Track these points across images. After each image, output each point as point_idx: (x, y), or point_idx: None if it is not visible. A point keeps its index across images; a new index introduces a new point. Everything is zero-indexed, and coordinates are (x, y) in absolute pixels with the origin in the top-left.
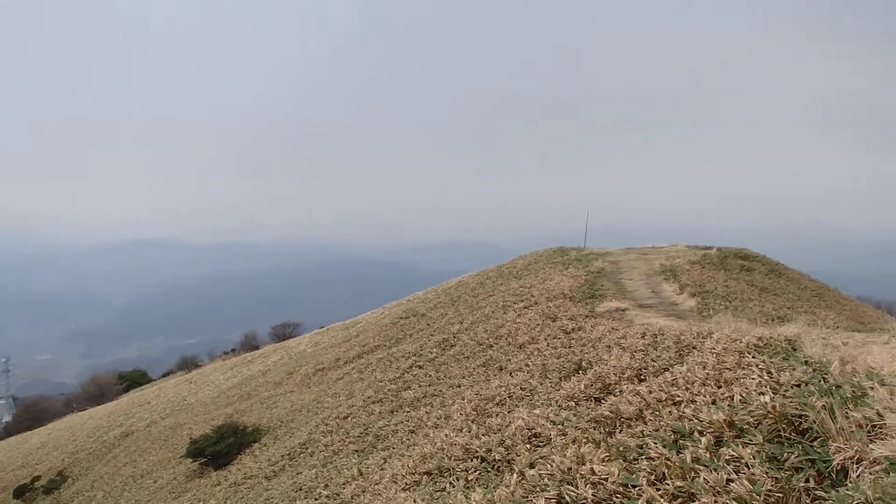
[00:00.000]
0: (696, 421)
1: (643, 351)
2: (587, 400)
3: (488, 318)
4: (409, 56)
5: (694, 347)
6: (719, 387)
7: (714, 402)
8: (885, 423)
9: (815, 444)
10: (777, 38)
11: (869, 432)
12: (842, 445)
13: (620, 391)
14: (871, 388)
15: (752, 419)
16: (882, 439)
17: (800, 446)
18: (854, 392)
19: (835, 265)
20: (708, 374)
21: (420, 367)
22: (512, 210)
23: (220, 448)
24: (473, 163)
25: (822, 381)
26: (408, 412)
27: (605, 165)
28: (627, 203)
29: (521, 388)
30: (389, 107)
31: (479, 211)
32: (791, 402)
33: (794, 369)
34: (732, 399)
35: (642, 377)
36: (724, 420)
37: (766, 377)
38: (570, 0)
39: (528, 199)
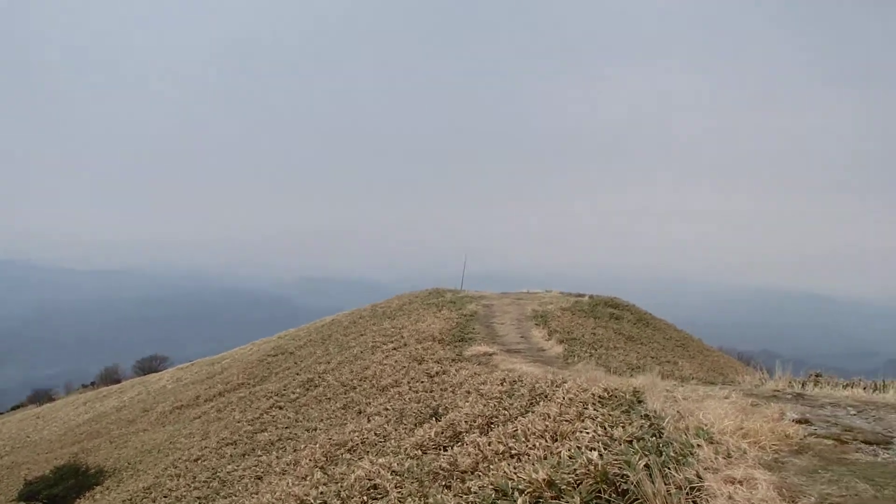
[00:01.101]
0: (518, 479)
1: (498, 398)
2: (436, 448)
3: (356, 359)
4: (283, 92)
5: (546, 396)
6: (555, 440)
7: (545, 457)
8: (703, 486)
9: None
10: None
11: (688, 494)
12: None
13: (467, 441)
14: (699, 446)
15: (573, 478)
16: (699, 502)
17: None
18: (681, 450)
19: (706, 315)
20: (547, 426)
21: (280, 408)
22: (395, 248)
23: (56, 491)
24: (363, 199)
25: (655, 438)
26: (259, 456)
27: (495, 208)
28: (515, 246)
29: (375, 434)
30: (274, 140)
31: (364, 248)
32: (616, 460)
33: (630, 423)
34: (563, 454)
35: (492, 425)
36: (545, 479)
37: (600, 432)
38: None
39: (415, 237)
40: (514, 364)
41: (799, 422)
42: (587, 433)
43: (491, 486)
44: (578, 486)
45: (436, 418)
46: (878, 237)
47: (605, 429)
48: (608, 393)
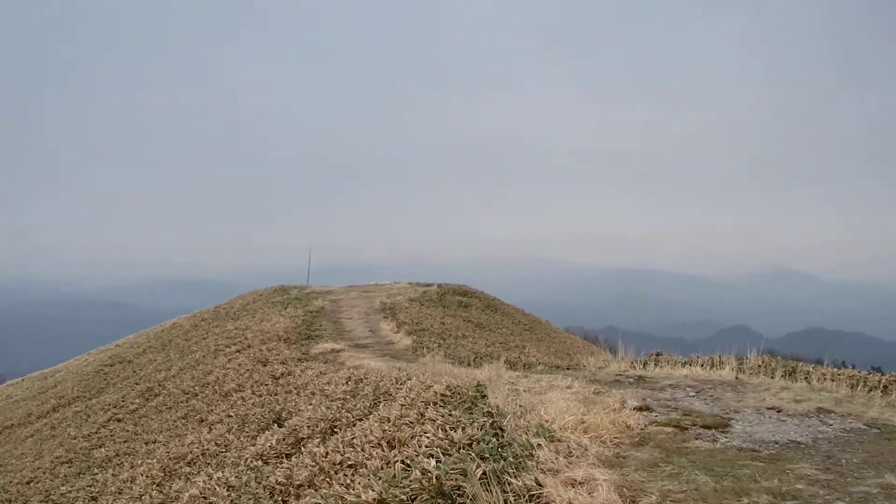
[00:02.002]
0: (349, 498)
1: (342, 400)
2: (277, 457)
3: (198, 364)
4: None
5: (390, 395)
6: (392, 448)
7: (382, 468)
8: (542, 493)
9: None
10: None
11: (528, 501)
12: None
13: (305, 450)
14: (539, 447)
15: (406, 495)
16: None
17: None
18: (521, 451)
19: (554, 295)
20: (385, 432)
21: (119, 421)
22: (243, 245)
23: None
24: (210, 197)
25: (496, 438)
26: (95, 474)
27: (344, 202)
28: (364, 240)
29: (216, 444)
30: (116, 135)
31: (209, 247)
32: (454, 469)
33: (472, 423)
34: (403, 463)
35: (335, 430)
36: (375, 499)
37: (440, 435)
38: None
39: (263, 234)
40: (362, 360)
41: (640, 409)
42: (427, 437)
43: None
44: (413, 502)
45: (278, 424)
46: (706, 216)
47: (446, 431)
48: (451, 390)
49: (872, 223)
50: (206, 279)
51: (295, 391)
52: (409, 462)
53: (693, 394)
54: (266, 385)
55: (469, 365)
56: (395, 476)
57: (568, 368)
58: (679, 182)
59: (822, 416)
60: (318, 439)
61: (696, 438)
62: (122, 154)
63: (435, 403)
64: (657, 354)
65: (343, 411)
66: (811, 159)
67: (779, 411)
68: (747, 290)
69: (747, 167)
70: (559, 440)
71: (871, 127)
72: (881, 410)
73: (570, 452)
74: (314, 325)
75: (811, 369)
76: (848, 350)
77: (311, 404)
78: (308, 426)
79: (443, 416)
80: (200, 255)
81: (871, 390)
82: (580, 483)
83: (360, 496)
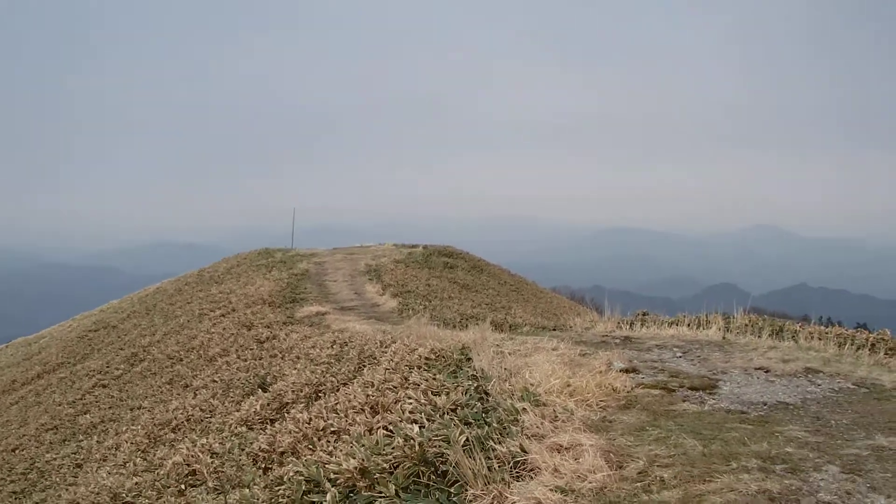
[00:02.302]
0: (330, 467)
1: (327, 364)
2: (262, 423)
3: (182, 329)
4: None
5: (375, 359)
6: (376, 413)
7: (367, 433)
8: (527, 459)
9: (454, 489)
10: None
11: (512, 469)
12: (478, 492)
13: (288, 416)
14: (524, 411)
15: (390, 461)
16: (523, 479)
17: (437, 494)
18: (506, 416)
19: (541, 256)
20: (368, 397)
21: (104, 387)
22: (229, 208)
23: None
24: (194, 160)
25: (481, 403)
26: (80, 441)
27: (328, 161)
28: (348, 200)
29: (200, 410)
30: (96, 100)
31: (196, 210)
32: (437, 435)
33: (456, 388)
34: (386, 429)
35: (320, 394)
36: (357, 468)
37: (423, 400)
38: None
39: (249, 197)
40: (347, 323)
41: (626, 371)
42: (410, 402)
43: (302, 477)
44: (394, 470)
45: (263, 389)
46: (690, 175)
47: (429, 396)
48: (435, 354)
49: (856, 181)
50: (192, 243)
51: (280, 355)
52: (392, 428)
53: (680, 354)
54: (251, 349)
55: (455, 327)
56: (377, 443)
57: (554, 329)
58: (662, 141)
59: (810, 376)
60: (303, 404)
61: (684, 401)
62: (104, 118)
63: (419, 367)
64: (643, 314)
65: (328, 376)
66: (797, 119)
67: (766, 371)
68: (732, 247)
69: (733, 127)
70: (545, 404)
71: (849, 88)
72: (869, 369)
73: (556, 417)
74: (299, 288)
75: (798, 328)
76: (832, 307)
77: (295, 369)
78: (293, 391)
79: (426, 381)
80: (187, 218)
81: (858, 349)
82: (566, 448)
83: (341, 464)
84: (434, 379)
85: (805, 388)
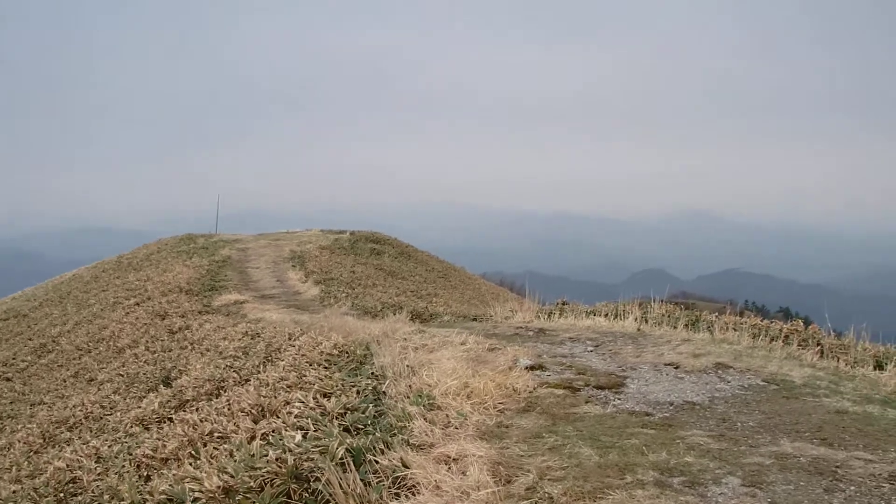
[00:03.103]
0: (192, 485)
1: (233, 357)
2: (159, 422)
3: (95, 318)
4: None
5: (282, 352)
6: (263, 417)
7: (250, 440)
8: (408, 474)
9: None
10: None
11: (393, 484)
12: None
13: (177, 418)
14: (416, 416)
15: (258, 479)
16: (401, 498)
17: None
18: (397, 423)
19: (474, 240)
20: (260, 398)
21: (8, 380)
22: (163, 192)
23: None
24: (120, 142)
25: (373, 406)
26: None
27: (265, 144)
28: (278, 186)
29: (101, 406)
30: (13, 78)
31: (121, 194)
32: (317, 446)
33: (351, 388)
34: (269, 437)
35: (222, 391)
36: (220, 486)
37: (312, 404)
38: None
39: (182, 180)
40: (265, 312)
41: (532, 368)
42: (297, 406)
43: (165, 496)
44: (263, 488)
45: (166, 384)
46: (622, 161)
47: (318, 399)
48: (338, 349)
49: (783, 168)
50: (118, 227)
51: (190, 347)
52: (273, 436)
53: (592, 348)
54: (162, 341)
55: (375, 316)
56: (252, 455)
57: (474, 319)
58: (595, 127)
59: (720, 371)
60: (203, 402)
61: (587, 402)
62: (27, 100)
63: (319, 364)
64: (563, 303)
65: (231, 371)
66: (726, 107)
67: (676, 367)
68: (662, 233)
69: (660, 114)
70: (439, 408)
71: (784, 74)
72: (780, 364)
73: (449, 423)
74: (219, 275)
75: (714, 318)
76: (759, 292)
77: (201, 362)
78: (194, 387)
79: (321, 380)
80: (113, 202)
81: (772, 340)
82: (454, 460)
83: (202, 484)
84: (330, 378)
85: (714, 385)
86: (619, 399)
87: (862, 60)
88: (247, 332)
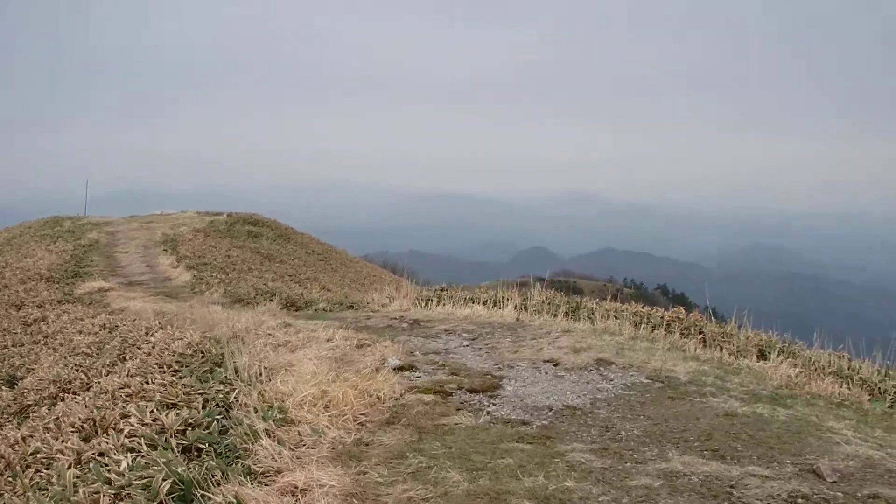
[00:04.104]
0: None
1: (85, 354)
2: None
3: None
4: None
5: (137, 349)
6: (96, 434)
7: (79, 462)
8: None
9: None
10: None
11: None
12: None
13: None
14: (264, 433)
15: None
16: None
17: None
18: (241, 442)
19: (360, 220)
20: (93, 412)
21: None
22: (25, 166)
23: None
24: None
25: (218, 422)
26: None
27: (147, 120)
28: (159, 163)
29: None
30: None
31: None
32: (140, 476)
33: (201, 396)
34: (68, 475)
35: (68, 394)
36: None
37: (148, 419)
38: None
39: (50, 153)
40: (130, 301)
41: (402, 369)
42: (131, 421)
43: None
44: None
45: (11, 385)
46: (507, 142)
47: (157, 413)
48: (192, 348)
49: (658, 148)
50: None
51: (42, 341)
52: (101, 460)
53: (468, 342)
54: (14, 334)
55: (247, 304)
56: (65, 488)
57: (351, 307)
58: (481, 107)
59: (602, 368)
60: (46, 407)
61: (459, 409)
62: None
63: (169, 367)
64: (442, 290)
65: (80, 371)
66: (606, 87)
67: (556, 365)
68: (544, 212)
69: (542, 94)
70: (293, 422)
71: (655, 55)
72: (664, 357)
73: (302, 441)
74: (84, 260)
75: (595, 305)
76: (637, 269)
77: (51, 359)
78: (37, 390)
79: (165, 388)
80: None
81: (654, 328)
82: (301, 491)
83: None
84: (175, 386)
85: (596, 384)
86: (494, 404)
87: (737, 38)
88: (105, 324)
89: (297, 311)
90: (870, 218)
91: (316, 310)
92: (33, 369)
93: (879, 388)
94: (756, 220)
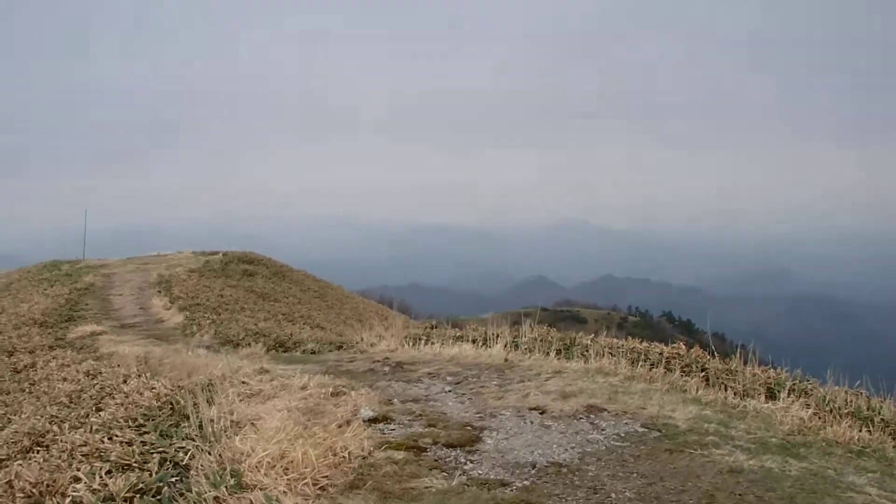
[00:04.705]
0: None
1: (62, 404)
2: None
3: None
4: None
5: (112, 398)
6: (45, 498)
7: None
8: None
9: None
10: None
11: None
12: None
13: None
14: (215, 501)
15: None
16: None
17: None
18: None
19: (359, 253)
20: (48, 472)
21: None
22: (34, 211)
23: None
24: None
25: (171, 487)
26: None
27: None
28: (160, 203)
29: None
30: None
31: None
32: None
33: (159, 455)
34: None
35: (39, 446)
36: None
37: (96, 484)
38: None
39: (58, 198)
40: (121, 345)
41: (376, 420)
42: (79, 487)
43: None
44: None
45: None
46: (498, 171)
47: (106, 477)
48: (161, 400)
49: (651, 174)
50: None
51: (29, 388)
52: None
53: (451, 386)
54: (3, 381)
55: (237, 345)
56: None
57: (340, 347)
58: (466, 136)
59: (592, 416)
60: (19, 462)
61: (433, 468)
62: None
63: (134, 420)
64: (432, 327)
65: (54, 423)
66: (576, 112)
67: (542, 413)
68: (542, 242)
69: (512, 125)
70: (249, 487)
71: (613, 80)
72: (662, 400)
73: None
74: (79, 304)
75: (589, 342)
76: (637, 296)
77: (31, 407)
78: (12, 442)
79: (123, 446)
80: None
81: (652, 366)
82: None
83: None
84: (132, 444)
85: (585, 435)
86: (471, 461)
87: (729, 55)
88: (89, 371)
89: (285, 351)
90: (869, 236)
91: (304, 350)
92: (12, 419)
93: None
94: (755, 243)
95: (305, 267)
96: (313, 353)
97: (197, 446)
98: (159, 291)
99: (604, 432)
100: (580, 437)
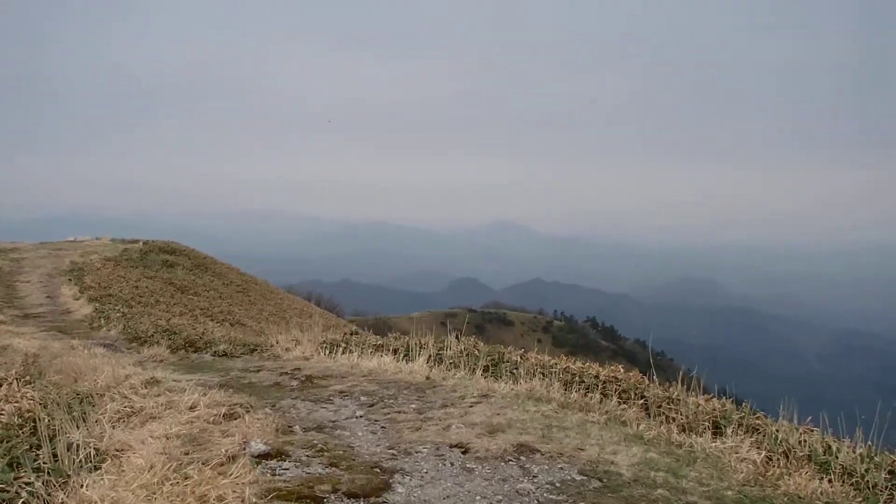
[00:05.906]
0: None
1: None
2: None
3: None
4: None
5: None
6: None
7: None
8: None
9: None
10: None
11: None
12: None
13: None
14: None
15: None
16: None
17: None
18: None
19: (291, 249)
20: None
21: None
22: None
23: None
24: None
25: None
26: None
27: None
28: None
29: None
30: None
31: None
32: None
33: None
34: None
35: None
36: None
37: None
38: None
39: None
40: (18, 337)
41: (268, 457)
42: None
43: None
44: None
45: None
46: (437, 171)
47: None
48: (22, 417)
49: (586, 179)
50: None
51: None
52: None
53: (363, 410)
54: None
55: (144, 342)
56: None
57: (254, 350)
58: (413, 136)
59: (523, 458)
60: None
61: None
62: None
63: None
64: (352, 333)
65: None
66: (532, 121)
67: (465, 451)
68: (475, 243)
69: (474, 127)
70: None
71: (589, 93)
72: (601, 437)
73: None
74: None
75: (520, 358)
76: (566, 301)
77: None
78: None
79: None
80: None
81: (588, 391)
82: None
83: None
84: None
85: (515, 484)
86: None
87: (664, 70)
88: None
89: (195, 352)
90: (796, 252)
91: (215, 352)
92: None
93: (867, 482)
94: (685, 252)
95: (236, 261)
96: (224, 355)
97: (41, 485)
98: (70, 280)
99: (535, 480)
100: (508, 486)
